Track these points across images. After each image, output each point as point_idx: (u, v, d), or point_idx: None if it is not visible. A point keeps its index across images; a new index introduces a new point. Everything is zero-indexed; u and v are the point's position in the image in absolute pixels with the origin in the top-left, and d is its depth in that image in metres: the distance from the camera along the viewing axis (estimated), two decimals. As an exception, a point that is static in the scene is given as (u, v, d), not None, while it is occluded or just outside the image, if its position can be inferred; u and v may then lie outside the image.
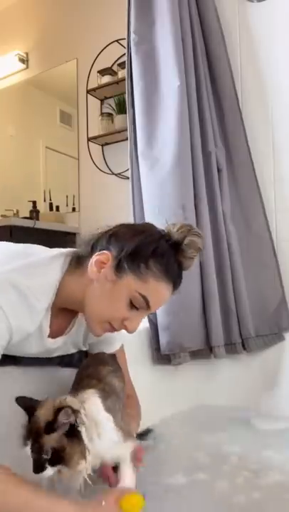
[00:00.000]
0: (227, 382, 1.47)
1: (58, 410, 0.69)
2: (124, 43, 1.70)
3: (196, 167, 1.48)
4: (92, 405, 0.76)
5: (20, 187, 2.91)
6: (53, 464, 0.67)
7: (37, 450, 0.67)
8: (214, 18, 1.65)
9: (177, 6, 1.51)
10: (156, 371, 1.40)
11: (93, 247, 0.88)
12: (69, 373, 0.94)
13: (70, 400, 0.73)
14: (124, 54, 1.86)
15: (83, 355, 1.03)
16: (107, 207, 2.47)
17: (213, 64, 1.63)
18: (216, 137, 1.59)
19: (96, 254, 0.85)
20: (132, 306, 0.84)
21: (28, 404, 0.72)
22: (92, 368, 0.89)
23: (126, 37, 1.58)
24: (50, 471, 0.67)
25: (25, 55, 3.10)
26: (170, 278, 0.86)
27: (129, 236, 0.87)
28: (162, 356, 1.40)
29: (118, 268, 0.84)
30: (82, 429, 0.70)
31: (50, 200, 2.78)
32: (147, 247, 0.85)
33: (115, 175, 2.46)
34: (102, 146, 2.54)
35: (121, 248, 0.85)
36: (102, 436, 0.74)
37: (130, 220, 1.57)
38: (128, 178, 1.63)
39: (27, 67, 3.10)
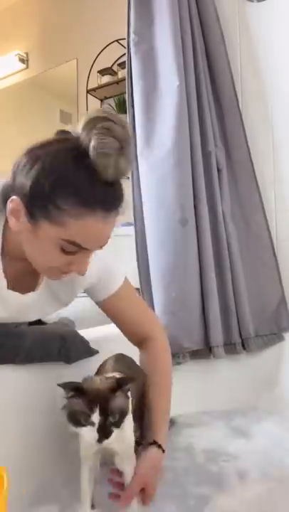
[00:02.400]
0: (227, 383, 1.47)
1: (120, 380, 0.72)
2: (124, 43, 1.70)
3: (195, 167, 1.48)
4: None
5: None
6: (118, 425, 0.68)
7: (105, 414, 0.67)
8: (214, 18, 1.64)
9: (177, 5, 1.51)
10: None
11: (5, 193, 0.74)
12: (73, 370, 0.94)
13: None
14: (124, 54, 1.86)
15: (64, 346, 0.99)
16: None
17: (212, 64, 1.63)
18: (216, 137, 1.59)
19: (9, 202, 0.71)
20: (66, 252, 0.71)
21: (74, 386, 0.71)
22: (119, 366, 0.88)
23: (126, 37, 1.58)
24: (114, 434, 0.68)
25: (25, 55, 3.10)
26: (94, 206, 0.68)
27: (28, 170, 0.68)
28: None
29: (31, 215, 0.69)
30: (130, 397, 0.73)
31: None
32: (45, 181, 0.67)
33: (115, 175, 2.46)
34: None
35: (22, 187, 0.69)
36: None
37: (131, 219, 1.57)
38: (128, 178, 1.63)
39: (27, 67, 3.10)
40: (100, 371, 0.89)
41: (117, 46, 2.39)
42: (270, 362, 1.51)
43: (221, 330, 1.44)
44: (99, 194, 0.68)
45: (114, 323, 1.00)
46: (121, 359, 0.93)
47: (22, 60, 3.09)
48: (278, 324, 1.56)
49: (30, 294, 0.84)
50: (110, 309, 0.97)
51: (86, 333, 1.12)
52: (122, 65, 2.34)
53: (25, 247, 0.75)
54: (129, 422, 0.74)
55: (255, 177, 1.64)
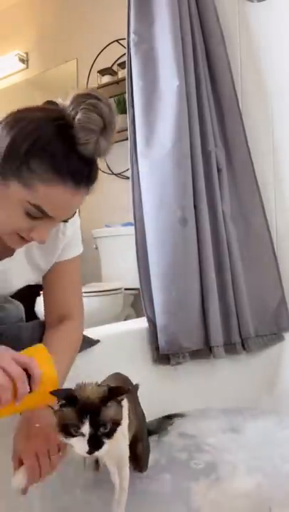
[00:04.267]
0: (227, 382, 1.47)
1: (113, 389, 0.68)
2: (124, 43, 1.70)
3: (195, 167, 1.48)
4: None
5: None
6: (109, 436, 0.65)
7: (96, 425, 0.64)
8: (214, 18, 1.64)
9: (177, 6, 1.51)
10: (156, 371, 1.40)
11: None
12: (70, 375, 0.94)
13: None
14: (124, 54, 1.86)
15: (36, 330, 0.96)
16: (107, 207, 2.47)
17: (212, 64, 1.63)
18: (216, 137, 1.59)
19: None
20: (30, 216, 0.71)
21: (66, 394, 0.68)
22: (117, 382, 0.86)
23: (126, 37, 1.58)
24: (106, 446, 0.65)
25: (25, 55, 3.10)
26: (66, 176, 0.69)
27: (8, 129, 0.69)
28: (162, 356, 1.40)
29: (2, 173, 0.69)
30: (125, 406, 0.71)
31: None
32: (23, 142, 0.67)
33: (115, 175, 2.46)
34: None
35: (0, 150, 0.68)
36: (124, 423, 0.74)
37: (131, 219, 1.57)
38: (128, 178, 1.63)
39: (27, 67, 3.10)
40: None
41: (117, 46, 2.39)
42: (270, 362, 1.51)
43: (220, 330, 1.44)
44: (73, 166, 0.69)
45: (46, 290, 0.96)
46: (118, 378, 0.93)
47: (22, 60, 3.10)
48: (278, 324, 1.56)
49: (5, 261, 0.84)
50: (55, 273, 0.94)
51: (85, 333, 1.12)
52: (122, 65, 2.34)
53: None
54: (122, 431, 0.73)
55: (255, 177, 1.64)
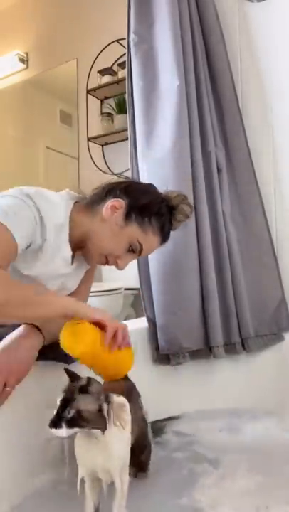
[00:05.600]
0: (227, 382, 1.47)
1: (90, 379, 0.72)
2: (124, 42, 1.70)
3: (195, 167, 1.48)
4: (119, 399, 0.79)
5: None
6: (69, 425, 0.67)
7: (62, 406, 0.68)
8: (214, 18, 1.64)
9: (177, 6, 1.51)
10: (156, 371, 1.40)
11: (107, 194, 1.03)
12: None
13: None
14: (124, 54, 1.86)
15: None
16: (107, 207, 2.46)
17: (212, 64, 1.63)
18: (216, 137, 1.59)
19: (112, 200, 1.01)
20: (130, 249, 1.03)
21: (72, 374, 0.75)
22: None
23: (126, 37, 1.58)
24: (63, 431, 0.67)
25: (25, 55, 3.10)
26: (163, 234, 1.07)
27: (141, 193, 1.06)
28: (162, 356, 1.40)
29: (128, 216, 1.01)
30: (111, 414, 0.72)
31: (50, 200, 2.78)
32: (154, 206, 1.04)
33: (115, 175, 2.46)
34: (102, 146, 2.55)
35: (133, 201, 1.02)
36: (127, 428, 0.75)
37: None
38: (128, 178, 1.63)
39: (27, 67, 3.10)
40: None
41: (117, 46, 2.39)
42: (270, 362, 1.51)
43: (220, 330, 1.44)
44: (167, 231, 1.09)
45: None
46: (121, 381, 0.94)
47: (22, 60, 3.10)
48: (278, 324, 1.56)
49: (73, 266, 1.06)
50: (86, 276, 1.18)
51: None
52: (122, 65, 2.34)
53: (98, 233, 1.01)
54: (117, 438, 0.73)
55: (255, 177, 1.64)
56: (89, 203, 1.05)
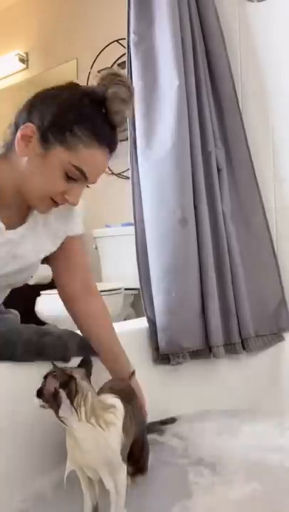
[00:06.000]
0: (227, 383, 1.47)
1: (56, 367, 0.76)
2: (124, 42, 1.70)
3: (195, 167, 1.47)
4: (112, 400, 0.80)
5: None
6: (37, 394, 0.74)
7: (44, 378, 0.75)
8: (214, 18, 1.64)
9: (177, 6, 1.50)
10: (156, 371, 1.40)
11: (16, 125, 0.84)
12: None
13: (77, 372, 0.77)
14: (124, 54, 1.86)
15: (60, 343, 1.01)
16: (107, 207, 2.47)
17: (212, 64, 1.63)
18: (216, 137, 1.59)
19: (20, 129, 0.81)
20: (69, 178, 0.82)
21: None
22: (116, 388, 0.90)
23: (126, 37, 1.58)
24: (36, 401, 0.74)
25: (25, 55, 3.10)
26: (102, 141, 0.82)
27: (49, 102, 0.82)
28: (162, 356, 1.40)
29: (44, 140, 0.80)
30: (81, 408, 0.73)
31: (50, 200, 2.78)
32: (68, 112, 0.80)
33: (115, 175, 2.46)
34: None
35: (42, 118, 0.81)
36: (110, 430, 0.75)
37: (131, 219, 1.57)
38: (128, 178, 1.63)
39: (27, 67, 3.10)
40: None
41: (117, 46, 2.39)
42: (270, 362, 1.51)
43: (220, 330, 1.44)
44: (107, 133, 0.83)
45: (64, 265, 1.04)
46: (119, 382, 0.95)
47: (22, 60, 3.10)
48: (278, 324, 1.56)
49: (20, 228, 0.89)
50: (69, 249, 1.02)
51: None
52: (122, 65, 2.34)
53: (25, 175, 0.83)
54: (90, 436, 0.74)
55: (255, 177, 1.64)
56: (4, 148, 0.87)
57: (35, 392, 0.75)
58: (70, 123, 0.80)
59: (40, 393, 0.74)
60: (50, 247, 0.98)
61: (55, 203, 0.86)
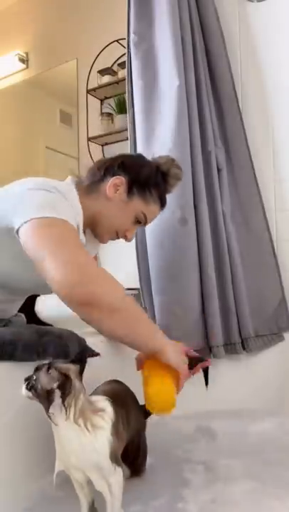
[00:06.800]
0: (226, 382, 1.47)
1: (54, 364, 0.76)
2: (124, 42, 1.70)
3: (195, 167, 1.48)
4: (103, 404, 0.80)
5: (20, 187, 2.89)
6: (26, 386, 0.75)
7: (34, 371, 0.76)
8: (214, 18, 1.64)
9: (177, 6, 1.51)
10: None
11: (105, 173, 1.09)
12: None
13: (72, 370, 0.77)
14: (124, 54, 1.86)
15: (60, 343, 1.02)
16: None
17: (212, 64, 1.63)
18: (216, 137, 1.59)
19: (112, 178, 1.07)
20: (136, 221, 1.11)
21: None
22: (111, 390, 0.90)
23: (126, 37, 1.58)
24: (23, 389, 0.75)
25: (25, 55, 3.10)
26: (162, 201, 1.15)
27: (138, 166, 1.12)
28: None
29: (130, 191, 1.08)
30: (72, 408, 0.73)
31: (50, 200, 2.77)
32: (151, 177, 1.11)
33: (115, 175, 2.45)
34: (102, 146, 2.54)
35: (132, 176, 1.08)
36: (96, 434, 0.74)
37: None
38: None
39: (27, 67, 3.10)
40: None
41: (117, 46, 2.39)
42: (270, 362, 1.51)
43: (220, 330, 1.44)
44: (165, 197, 1.16)
45: None
46: (115, 385, 0.94)
47: (22, 60, 3.09)
48: (278, 324, 1.56)
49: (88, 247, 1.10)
50: None
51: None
52: (122, 65, 2.34)
53: (105, 213, 1.08)
54: (75, 436, 0.74)
55: (255, 177, 1.64)
56: (89, 186, 1.09)
57: (23, 385, 0.75)
58: (150, 185, 1.10)
59: (31, 387, 0.74)
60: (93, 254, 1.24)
61: (117, 237, 1.13)
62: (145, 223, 1.14)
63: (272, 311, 1.56)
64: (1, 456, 0.89)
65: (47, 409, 0.73)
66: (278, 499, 0.87)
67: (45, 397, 0.73)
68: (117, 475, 0.77)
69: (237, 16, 1.72)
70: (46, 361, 0.77)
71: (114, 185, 1.07)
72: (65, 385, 0.73)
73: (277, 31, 1.65)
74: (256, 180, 1.64)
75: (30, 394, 0.74)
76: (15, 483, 0.91)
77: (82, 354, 0.91)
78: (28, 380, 0.75)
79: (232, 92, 1.65)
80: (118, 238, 1.14)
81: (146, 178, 1.10)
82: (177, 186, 1.19)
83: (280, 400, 1.43)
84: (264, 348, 1.51)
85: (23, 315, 1.28)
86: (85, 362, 0.83)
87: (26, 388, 0.75)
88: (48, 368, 0.74)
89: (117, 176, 1.08)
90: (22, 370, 0.92)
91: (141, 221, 1.12)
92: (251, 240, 1.60)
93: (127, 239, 1.13)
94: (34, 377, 0.74)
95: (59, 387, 0.73)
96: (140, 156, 1.20)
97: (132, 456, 0.93)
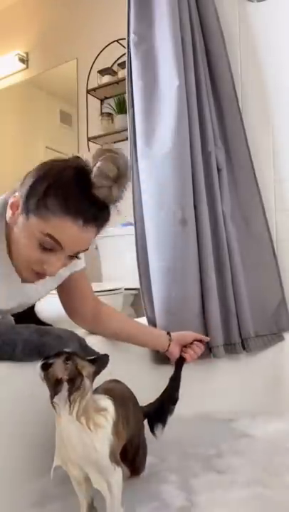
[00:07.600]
0: (226, 383, 1.47)
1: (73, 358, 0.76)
2: (124, 42, 1.70)
3: (195, 167, 1.47)
4: (105, 403, 0.80)
5: (20, 187, 2.90)
6: (41, 366, 0.76)
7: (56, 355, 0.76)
8: (214, 18, 1.64)
9: (177, 6, 1.50)
10: (156, 371, 1.39)
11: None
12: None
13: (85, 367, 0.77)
14: (124, 54, 1.86)
15: (60, 343, 1.01)
16: (107, 207, 2.46)
17: (212, 64, 1.63)
18: (216, 137, 1.59)
19: (12, 196, 0.84)
20: (44, 248, 0.81)
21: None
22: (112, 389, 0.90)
23: (126, 37, 1.58)
24: (37, 367, 0.76)
25: (25, 55, 3.10)
26: (74, 213, 0.78)
27: (33, 172, 0.82)
28: (162, 356, 1.39)
29: (25, 210, 0.80)
30: (77, 403, 0.73)
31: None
32: (41, 183, 0.79)
33: (115, 175, 2.46)
34: (102, 146, 2.55)
35: (26, 189, 0.81)
36: (97, 432, 0.75)
37: (130, 220, 1.57)
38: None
39: (27, 67, 3.10)
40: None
41: (117, 46, 2.39)
42: (270, 362, 1.51)
43: (220, 330, 1.44)
44: (84, 206, 0.80)
45: (74, 297, 1.13)
46: (115, 385, 0.95)
47: (22, 60, 3.10)
48: (278, 324, 1.56)
49: (39, 284, 0.95)
50: (77, 281, 1.10)
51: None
52: (122, 65, 2.34)
53: (12, 243, 0.86)
54: (76, 431, 0.74)
55: (255, 177, 1.64)
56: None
57: (40, 363, 0.76)
58: (41, 194, 0.79)
59: (46, 367, 0.75)
60: (53, 285, 1.06)
61: (39, 274, 0.86)
62: (61, 247, 0.81)
63: (272, 312, 1.56)
64: (1, 455, 0.89)
65: (52, 397, 0.74)
66: (281, 503, 0.87)
67: (53, 385, 0.74)
68: (116, 475, 0.77)
69: (237, 16, 1.72)
70: (69, 350, 0.78)
71: (12, 205, 0.83)
72: (74, 381, 0.73)
73: (277, 31, 1.65)
74: (256, 180, 1.64)
75: (42, 374, 0.75)
76: (15, 482, 0.91)
77: (104, 359, 0.85)
78: (46, 359, 0.76)
79: (232, 92, 1.65)
80: (39, 275, 0.87)
81: (35, 185, 0.80)
82: (113, 188, 0.80)
83: (280, 400, 1.43)
84: (264, 348, 1.51)
85: (11, 316, 1.22)
86: (104, 367, 0.83)
87: (41, 367, 0.75)
88: (67, 359, 0.75)
89: (15, 194, 0.84)
90: (21, 370, 0.92)
91: (47, 245, 0.80)
92: (251, 240, 1.60)
93: (47, 273, 0.85)
94: (51, 361, 0.75)
95: (69, 380, 0.73)
96: (50, 162, 0.85)
97: (131, 455, 0.93)
